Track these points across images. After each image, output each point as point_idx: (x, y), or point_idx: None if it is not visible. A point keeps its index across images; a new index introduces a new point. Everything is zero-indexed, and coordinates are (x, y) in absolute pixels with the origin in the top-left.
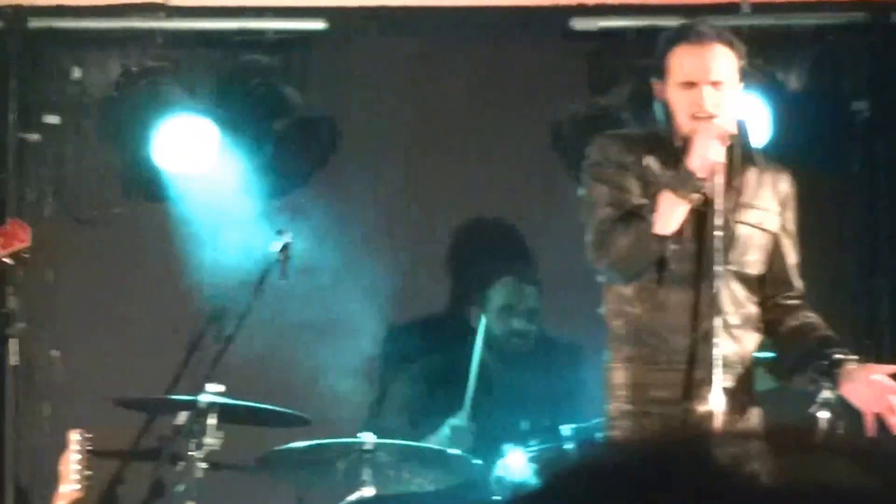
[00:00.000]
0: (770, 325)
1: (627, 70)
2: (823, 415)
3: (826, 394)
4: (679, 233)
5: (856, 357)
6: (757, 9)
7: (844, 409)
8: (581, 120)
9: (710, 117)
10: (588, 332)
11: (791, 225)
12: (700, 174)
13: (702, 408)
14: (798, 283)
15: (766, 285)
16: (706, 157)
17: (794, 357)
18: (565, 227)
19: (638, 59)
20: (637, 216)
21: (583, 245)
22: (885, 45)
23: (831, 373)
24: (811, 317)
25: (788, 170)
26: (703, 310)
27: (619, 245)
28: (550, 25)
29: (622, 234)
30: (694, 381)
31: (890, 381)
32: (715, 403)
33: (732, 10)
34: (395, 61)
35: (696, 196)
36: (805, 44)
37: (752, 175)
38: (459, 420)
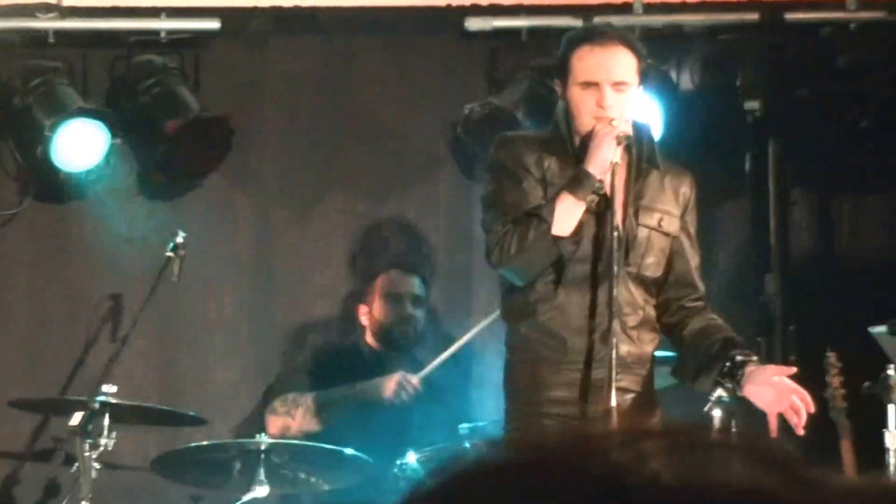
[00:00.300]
0: (674, 327)
1: (522, 69)
2: (717, 413)
3: (720, 392)
4: (577, 234)
5: (757, 359)
6: (649, 8)
7: (738, 407)
8: (476, 119)
9: (610, 118)
10: (488, 331)
11: (692, 228)
12: (597, 175)
13: (600, 408)
14: (700, 285)
15: (669, 288)
16: (604, 157)
17: (697, 359)
18: (463, 225)
19: (532, 58)
20: (536, 217)
21: (482, 243)
22: (777, 45)
23: (734, 374)
24: (714, 319)
25: (690, 172)
26: (601, 311)
27: (518, 245)
28: (446, 25)
29: (521, 235)
30: (592, 381)
31: (791, 382)
32: (613, 403)
33: (625, 9)
34: (291, 62)
35: (593, 197)
36: (698, 43)
37: (653, 177)
38: (413, 376)
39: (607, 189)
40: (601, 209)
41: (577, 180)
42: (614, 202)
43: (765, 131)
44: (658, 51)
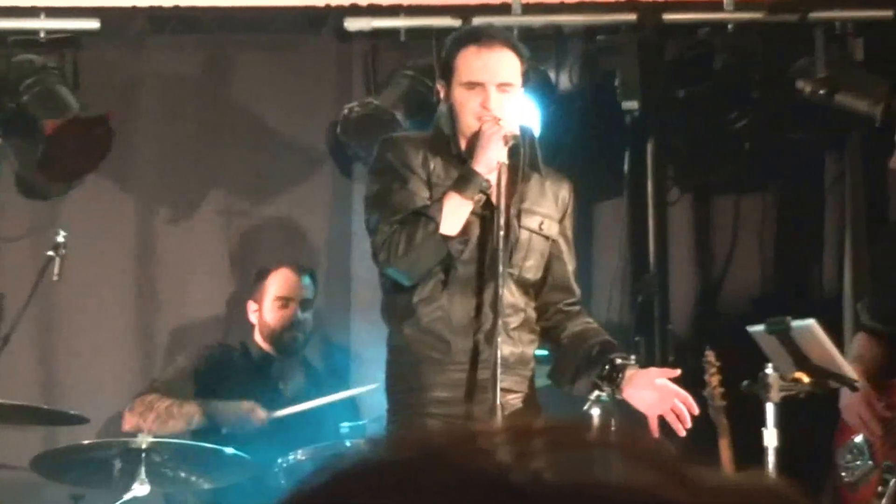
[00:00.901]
0: (551, 331)
1: (401, 69)
2: (596, 412)
3: (598, 391)
4: (465, 234)
5: (635, 362)
6: (527, 9)
7: (616, 407)
8: (356, 119)
9: (496, 118)
10: (369, 330)
11: (570, 233)
12: (484, 174)
13: (484, 408)
14: (577, 289)
15: (548, 292)
16: (491, 156)
17: (575, 362)
18: (343, 225)
19: (411, 58)
20: (424, 216)
21: (362, 242)
22: (656, 45)
23: (613, 378)
24: (591, 323)
25: (570, 179)
26: (485, 311)
27: (406, 245)
28: (325, 25)
29: (409, 235)
30: (476, 381)
31: (674, 385)
32: (496, 403)
33: (504, 10)
34: (170, 61)
35: (479, 196)
36: (576, 44)
37: (534, 181)
38: (264, 412)
39: (493, 189)
40: (486, 210)
41: (464, 179)
42: (500, 203)
43: (643, 131)
44: (537, 51)
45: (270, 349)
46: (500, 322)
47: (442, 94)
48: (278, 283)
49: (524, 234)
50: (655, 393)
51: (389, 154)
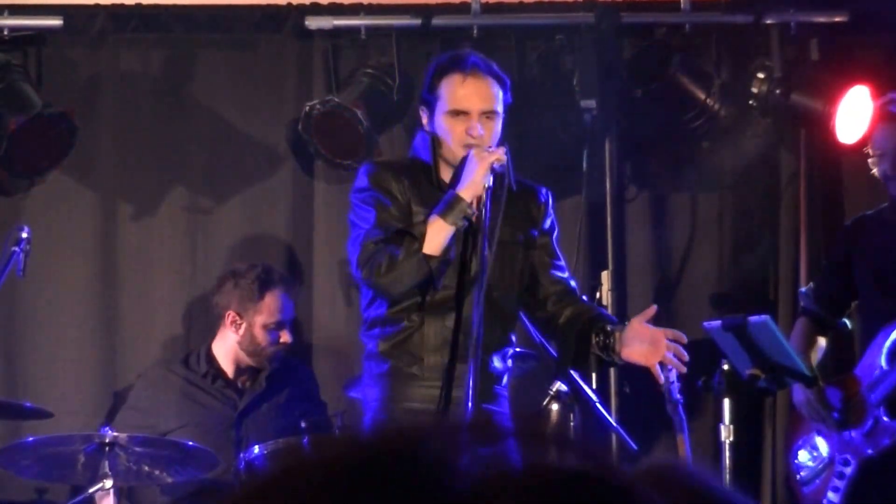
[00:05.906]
0: (550, 321)
1: (362, 68)
2: (555, 407)
3: (557, 385)
4: (446, 255)
5: (621, 325)
6: (486, 8)
7: (575, 400)
8: (317, 116)
9: (481, 145)
10: (332, 326)
11: (555, 234)
12: (469, 199)
13: None
14: (571, 280)
15: (541, 290)
16: (477, 183)
17: (574, 344)
18: (304, 222)
19: (372, 57)
20: (409, 235)
21: (323, 240)
22: (613, 45)
23: (606, 345)
24: (582, 303)
25: (542, 187)
26: (463, 331)
27: (389, 263)
28: (286, 24)
29: (391, 254)
30: (451, 399)
31: (656, 329)
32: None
33: (463, 9)
34: (133, 59)
35: (462, 222)
36: (534, 43)
37: (510, 198)
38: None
39: (477, 214)
40: (467, 233)
41: (448, 205)
42: (481, 226)
43: (601, 129)
44: (495, 51)
45: (242, 362)
46: (472, 341)
47: (424, 121)
48: (274, 306)
49: (503, 251)
50: (645, 342)
51: (370, 179)
